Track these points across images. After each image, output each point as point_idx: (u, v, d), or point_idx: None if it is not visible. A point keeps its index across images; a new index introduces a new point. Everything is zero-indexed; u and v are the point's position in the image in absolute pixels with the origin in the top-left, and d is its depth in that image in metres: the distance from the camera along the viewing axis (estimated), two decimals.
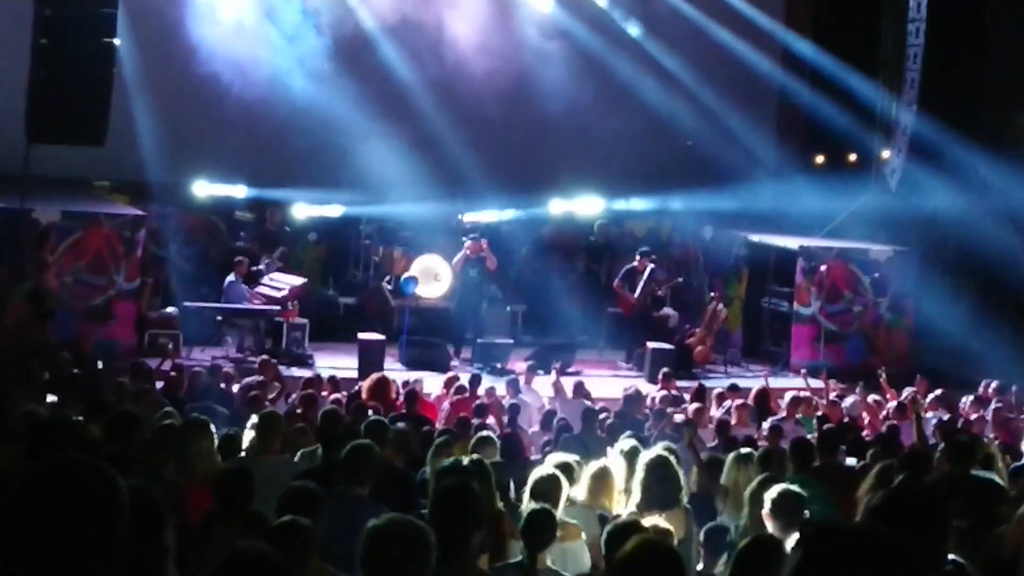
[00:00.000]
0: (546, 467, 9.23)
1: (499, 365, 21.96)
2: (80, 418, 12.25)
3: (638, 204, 26.63)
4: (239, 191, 25.20)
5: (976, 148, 24.13)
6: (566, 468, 9.60)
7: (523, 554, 7.49)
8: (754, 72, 27.14)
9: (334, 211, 25.21)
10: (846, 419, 16.69)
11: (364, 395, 15.84)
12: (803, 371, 19.42)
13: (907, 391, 18.37)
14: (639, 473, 9.38)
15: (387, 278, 24.89)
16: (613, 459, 10.69)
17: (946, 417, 16.79)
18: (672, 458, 9.66)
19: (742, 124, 27.12)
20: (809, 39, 27.30)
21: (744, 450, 11.12)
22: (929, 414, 16.66)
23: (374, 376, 16.95)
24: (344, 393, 16.48)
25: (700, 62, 26.72)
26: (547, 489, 8.62)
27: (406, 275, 23.99)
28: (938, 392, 18.30)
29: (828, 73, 26.08)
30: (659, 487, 9.18)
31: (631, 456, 10.40)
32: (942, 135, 24.16)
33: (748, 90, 27.09)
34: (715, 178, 25.51)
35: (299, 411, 14.85)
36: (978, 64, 25.36)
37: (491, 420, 15.48)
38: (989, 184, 24.24)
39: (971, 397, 18.38)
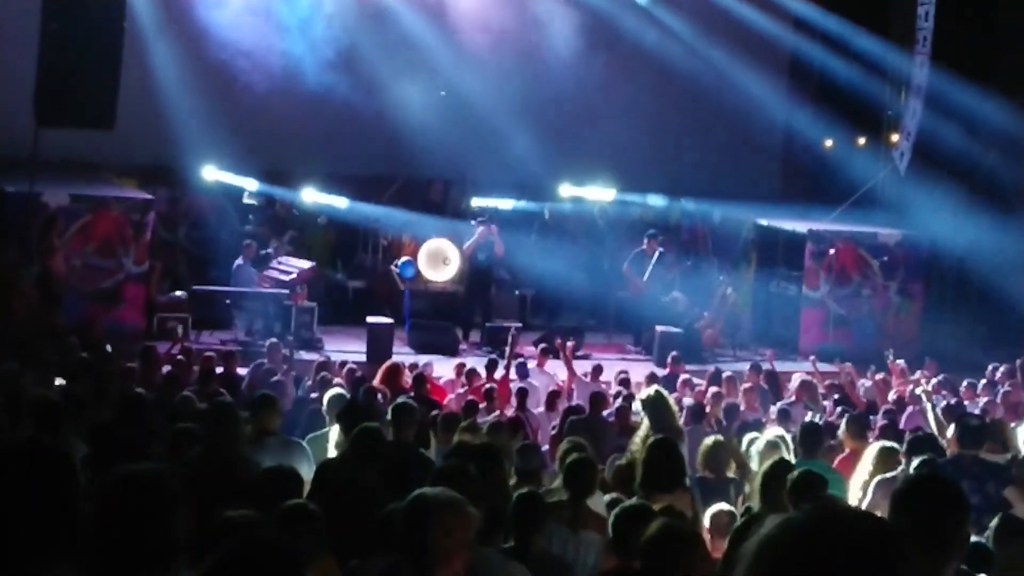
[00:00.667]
0: (580, 453, 9.20)
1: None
2: (88, 401, 12.29)
3: (653, 200, 26.58)
4: (250, 184, 25.09)
5: (989, 124, 24.13)
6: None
7: (513, 538, 7.48)
8: (765, 42, 27.05)
9: (340, 203, 25.13)
10: (865, 402, 16.71)
11: (377, 381, 15.84)
12: (812, 357, 19.38)
13: (916, 375, 18.36)
14: (643, 454, 9.38)
15: (396, 262, 24.88)
16: (637, 407, 10.87)
17: (953, 401, 16.77)
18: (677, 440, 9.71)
19: (750, 120, 27.23)
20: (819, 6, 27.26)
21: (772, 436, 11.20)
22: (934, 398, 16.61)
23: (387, 363, 16.96)
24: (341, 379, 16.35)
25: (710, 36, 26.70)
26: (582, 477, 8.62)
27: (405, 259, 23.97)
28: (941, 377, 18.26)
29: (839, 52, 26.03)
30: (662, 467, 9.18)
31: (654, 402, 10.53)
32: (953, 112, 24.12)
33: (759, 53, 26.96)
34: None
35: (314, 395, 14.90)
36: (988, 41, 25.28)
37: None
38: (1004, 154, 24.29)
39: (977, 381, 18.35)
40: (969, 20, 25.59)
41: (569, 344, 19.06)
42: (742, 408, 15.84)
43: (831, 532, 2.50)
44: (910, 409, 16.05)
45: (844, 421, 12.62)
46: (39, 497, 2.98)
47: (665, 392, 11.58)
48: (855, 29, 25.82)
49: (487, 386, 16.21)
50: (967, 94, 23.90)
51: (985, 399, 17.14)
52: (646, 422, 10.78)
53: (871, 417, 15.23)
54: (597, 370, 18.36)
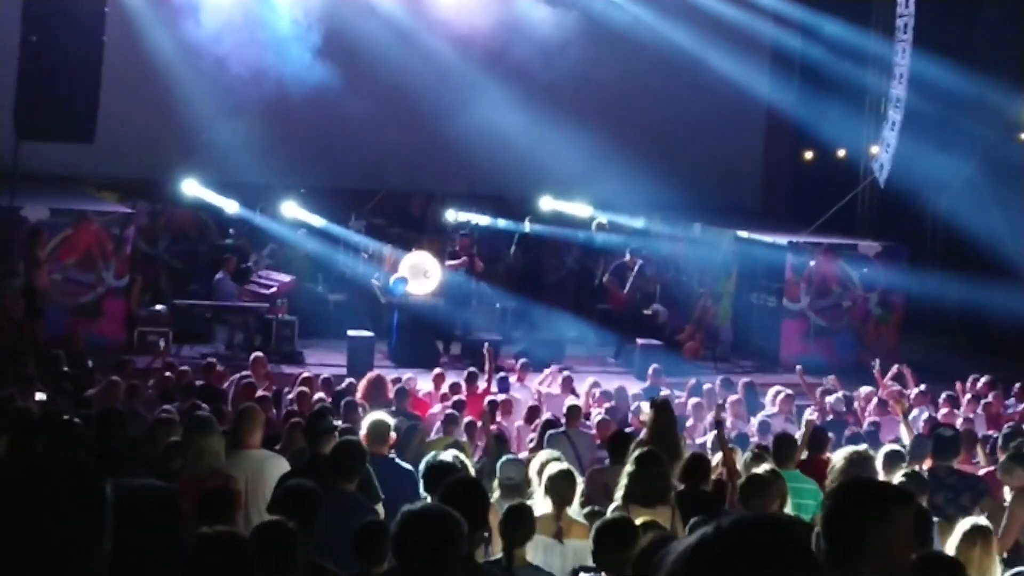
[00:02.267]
0: (560, 464, 9.22)
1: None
2: (70, 415, 12.25)
3: (627, 220, 26.50)
4: (231, 206, 24.94)
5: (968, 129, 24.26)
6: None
7: (502, 550, 7.51)
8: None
9: (318, 221, 25.10)
10: (830, 416, 16.68)
11: (359, 394, 15.82)
12: (799, 368, 19.39)
13: (891, 384, 18.36)
14: (628, 467, 9.39)
15: (376, 275, 24.86)
16: (643, 411, 11.00)
17: (938, 413, 16.79)
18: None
19: (729, 132, 27.33)
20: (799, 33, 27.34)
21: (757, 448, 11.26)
22: (915, 411, 16.63)
23: (370, 375, 16.95)
24: (322, 393, 16.27)
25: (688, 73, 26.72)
26: (563, 487, 8.65)
27: (395, 276, 23.94)
28: (922, 387, 18.26)
29: (819, 65, 26.11)
30: (647, 483, 9.19)
31: (660, 408, 10.63)
32: (932, 117, 24.21)
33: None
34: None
35: (294, 407, 14.87)
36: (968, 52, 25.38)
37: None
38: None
39: (956, 391, 18.34)
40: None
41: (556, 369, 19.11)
42: (729, 420, 15.87)
43: (734, 544, 2.58)
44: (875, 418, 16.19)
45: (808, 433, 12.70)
46: (66, 518, 2.95)
47: (671, 402, 11.70)
48: (835, 23, 25.84)
49: (455, 399, 16.17)
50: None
51: (964, 410, 17.18)
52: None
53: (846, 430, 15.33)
54: (567, 381, 18.36)
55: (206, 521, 6.47)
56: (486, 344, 19.42)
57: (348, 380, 17.62)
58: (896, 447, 11.30)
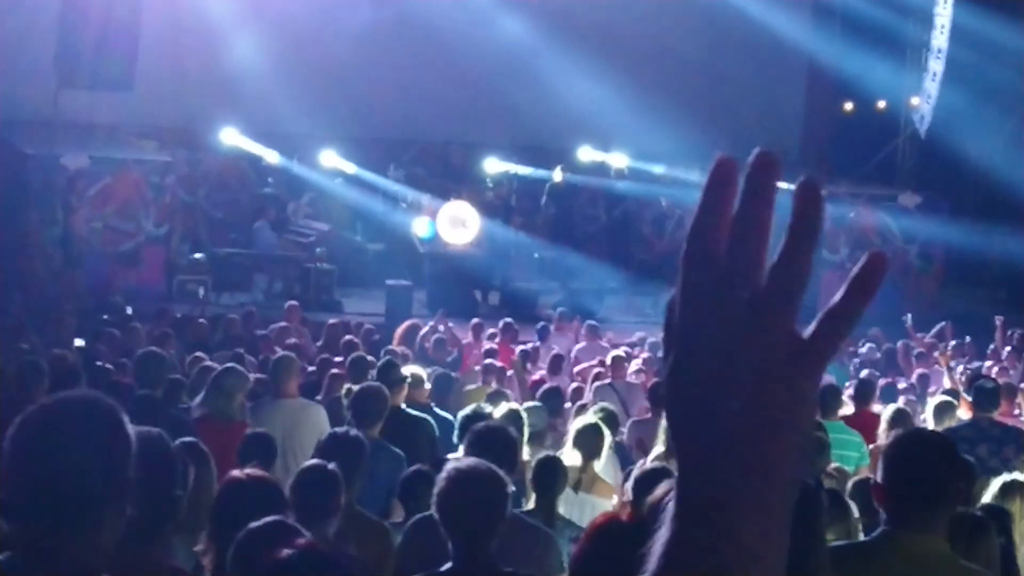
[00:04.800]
0: (588, 417, 9.20)
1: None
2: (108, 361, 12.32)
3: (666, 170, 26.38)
4: (270, 155, 24.99)
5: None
6: (610, 418, 9.63)
7: (535, 502, 7.47)
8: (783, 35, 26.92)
9: (349, 168, 25.14)
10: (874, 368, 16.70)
11: (395, 341, 15.85)
12: None
13: (928, 337, 18.33)
14: (665, 421, 9.35)
15: (414, 224, 24.87)
16: None
17: (975, 364, 16.76)
18: None
19: (769, 82, 27.14)
20: None
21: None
22: (952, 362, 16.58)
23: (406, 323, 17.00)
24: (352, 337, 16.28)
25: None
26: (589, 441, 8.62)
27: (426, 221, 23.94)
28: (966, 340, 18.20)
29: (860, 16, 25.88)
30: None
31: None
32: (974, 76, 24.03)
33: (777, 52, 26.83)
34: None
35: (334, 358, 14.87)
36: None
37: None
38: None
39: (994, 344, 18.30)
40: None
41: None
42: None
43: None
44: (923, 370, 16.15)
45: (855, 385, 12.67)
46: (92, 448, 3.07)
47: None
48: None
49: (487, 347, 16.14)
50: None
51: (1006, 361, 17.11)
52: None
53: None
54: (592, 330, 18.32)
55: (245, 465, 6.50)
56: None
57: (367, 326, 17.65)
58: (947, 398, 11.30)
